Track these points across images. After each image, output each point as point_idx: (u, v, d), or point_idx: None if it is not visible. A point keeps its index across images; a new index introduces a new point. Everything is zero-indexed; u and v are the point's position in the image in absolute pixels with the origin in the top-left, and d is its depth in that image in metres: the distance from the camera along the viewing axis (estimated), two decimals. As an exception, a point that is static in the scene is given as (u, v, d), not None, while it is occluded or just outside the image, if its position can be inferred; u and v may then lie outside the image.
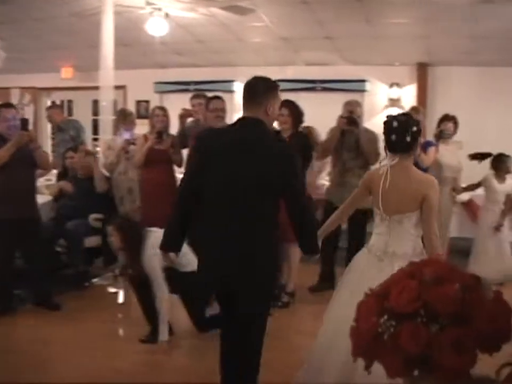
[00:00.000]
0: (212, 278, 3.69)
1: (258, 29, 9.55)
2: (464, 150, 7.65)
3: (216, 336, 3.91)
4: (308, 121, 7.01)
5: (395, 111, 11.16)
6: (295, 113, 6.56)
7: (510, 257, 7.43)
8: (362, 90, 11.56)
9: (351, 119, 6.76)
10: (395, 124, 3.86)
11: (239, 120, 3.73)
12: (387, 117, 3.97)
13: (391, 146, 3.92)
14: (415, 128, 3.86)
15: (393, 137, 3.85)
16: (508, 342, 1.74)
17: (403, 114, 4.07)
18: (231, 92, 11.85)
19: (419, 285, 1.76)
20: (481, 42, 9.43)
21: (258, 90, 3.65)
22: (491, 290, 1.79)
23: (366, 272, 3.80)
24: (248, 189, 3.49)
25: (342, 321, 3.08)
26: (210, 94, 7.24)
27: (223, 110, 6.58)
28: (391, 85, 11.50)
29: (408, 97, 11.43)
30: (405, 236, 3.86)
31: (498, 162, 7.41)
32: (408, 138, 3.82)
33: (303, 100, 7.77)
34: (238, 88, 12.07)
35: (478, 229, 7.64)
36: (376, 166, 4.44)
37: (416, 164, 5.59)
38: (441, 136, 7.33)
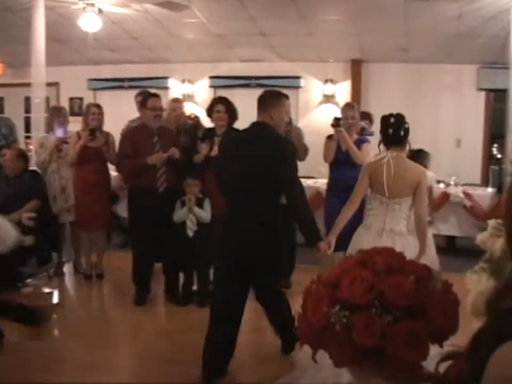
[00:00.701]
0: (231, 248, 4.44)
1: (192, 25, 9.52)
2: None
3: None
4: (242, 118, 6.99)
5: (329, 107, 11.39)
6: (231, 109, 6.50)
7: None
8: (297, 87, 11.68)
9: (284, 115, 6.78)
10: (392, 120, 4.61)
11: (252, 123, 4.58)
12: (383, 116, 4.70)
13: (387, 140, 4.65)
14: (406, 125, 4.62)
15: (390, 131, 4.58)
16: (455, 333, 1.76)
17: (397, 114, 4.67)
18: (166, 88, 11.80)
19: (372, 275, 1.75)
20: (413, 39, 9.62)
21: (265, 99, 4.57)
22: (440, 281, 1.81)
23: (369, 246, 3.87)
24: (257, 175, 4.32)
25: None
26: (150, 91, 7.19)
27: (161, 109, 6.53)
28: (326, 81, 11.64)
29: (342, 93, 11.61)
30: (401, 216, 4.58)
31: (416, 158, 7.59)
32: (402, 132, 4.58)
33: (238, 96, 7.77)
34: (173, 84, 12.04)
35: None
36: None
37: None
38: (361, 133, 7.47)
